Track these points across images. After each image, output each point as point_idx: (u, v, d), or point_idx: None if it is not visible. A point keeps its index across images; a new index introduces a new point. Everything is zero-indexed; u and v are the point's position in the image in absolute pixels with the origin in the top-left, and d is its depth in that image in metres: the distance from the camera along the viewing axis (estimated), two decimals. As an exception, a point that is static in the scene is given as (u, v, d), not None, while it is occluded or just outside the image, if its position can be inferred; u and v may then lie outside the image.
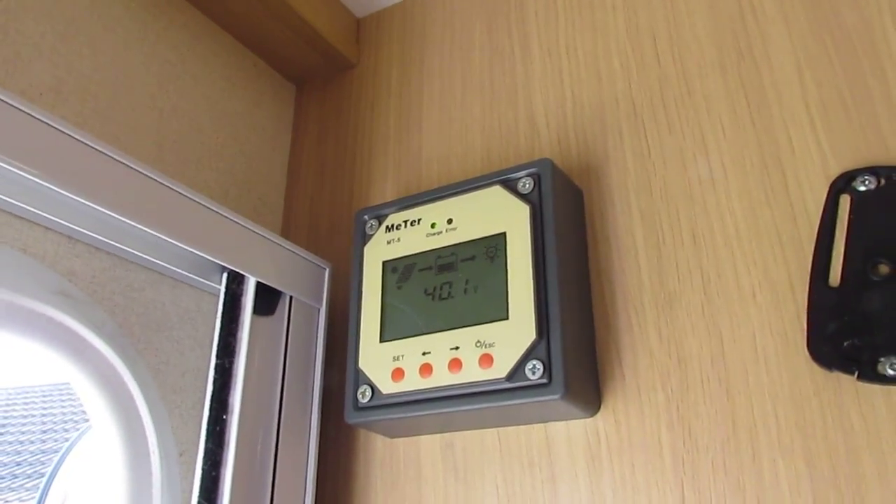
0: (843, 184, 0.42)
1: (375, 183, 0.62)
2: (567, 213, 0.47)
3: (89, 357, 0.44)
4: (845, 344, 0.39)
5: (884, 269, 0.39)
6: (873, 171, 0.41)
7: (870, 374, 0.38)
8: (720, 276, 0.44)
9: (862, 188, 0.41)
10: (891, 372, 0.37)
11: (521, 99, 0.57)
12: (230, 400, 0.46)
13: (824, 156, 0.44)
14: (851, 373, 0.38)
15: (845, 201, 0.42)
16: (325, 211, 0.64)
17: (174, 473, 0.46)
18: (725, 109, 0.48)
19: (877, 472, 0.37)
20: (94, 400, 0.45)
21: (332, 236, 0.62)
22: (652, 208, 0.48)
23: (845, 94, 0.44)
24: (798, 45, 0.47)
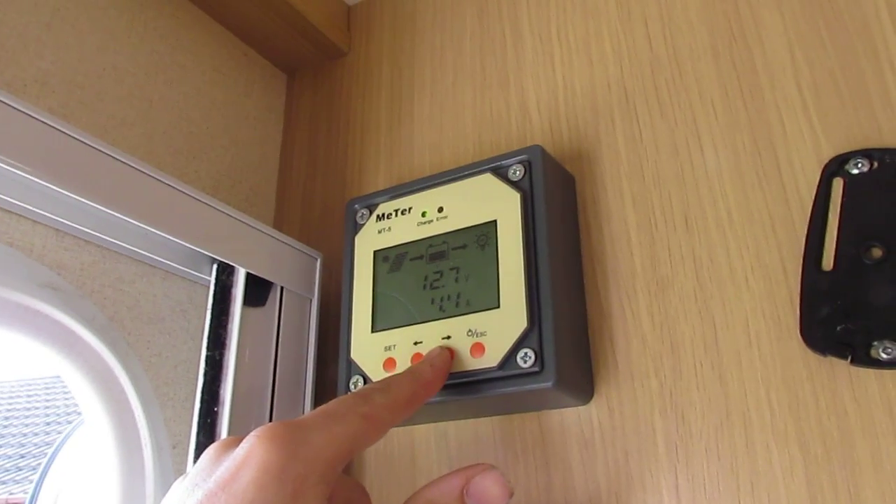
0: (835, 167, 0.42)
1: (367, 172, 0.61)
2: (558, 200, 0.47)
3: (79, 350, 0.44)
4: (838, 328, 0.38)
5: (877, 252, 0.39)
6: (866, 153, 0.41)
7: (863, 358, 0.37)
8: (712, 260, 0.44)
9: (855, 171, 0.41)
10: (884, 356, 0.37)
11: (512, 85, 0.56)
12: (221, 392, 0.46)
13: (817, 138, 0.43)
14: (845, 357, 0.38)
15: (838, 184, 0.41)
16: (317, 201, 0.63)
17: (167, 466, 0.46)
18: (717, 93, 0.47)
19: (871, 457, 0.37)
20: (85, 393, 0.45)
21: (325, 226, 0.62)
22: (644, 193, 0.47)
23: (838, 75, 0.44)
24: (790, 26, 0.46)
